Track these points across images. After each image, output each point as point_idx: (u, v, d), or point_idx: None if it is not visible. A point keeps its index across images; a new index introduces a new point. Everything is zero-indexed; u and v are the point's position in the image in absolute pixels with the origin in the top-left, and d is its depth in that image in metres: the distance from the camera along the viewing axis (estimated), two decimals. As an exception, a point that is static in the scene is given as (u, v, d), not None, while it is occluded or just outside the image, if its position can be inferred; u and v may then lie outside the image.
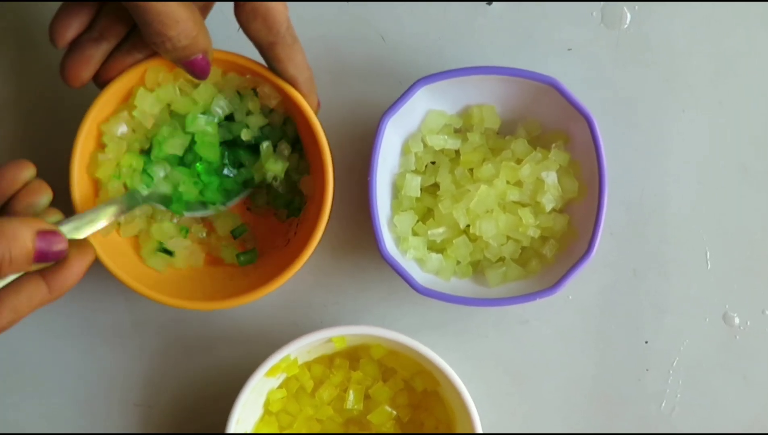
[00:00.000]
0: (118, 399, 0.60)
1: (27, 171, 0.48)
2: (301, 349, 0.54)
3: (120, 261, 0.53)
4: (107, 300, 0.59)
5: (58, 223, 0.47)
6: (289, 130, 0.56)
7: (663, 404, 0.59)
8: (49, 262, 0.44)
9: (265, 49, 0.51)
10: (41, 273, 0.45)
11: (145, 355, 0.60)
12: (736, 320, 0.59)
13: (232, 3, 0.48)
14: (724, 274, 0.59)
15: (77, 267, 0.46)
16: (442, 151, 0.57)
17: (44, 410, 0.60)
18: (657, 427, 0.59)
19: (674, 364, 0.59)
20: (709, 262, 0.59)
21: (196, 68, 0.50)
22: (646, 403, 0.59)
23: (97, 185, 0.54)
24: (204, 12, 0.52)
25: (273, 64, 0.52)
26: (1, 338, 0.51)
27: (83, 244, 0.47)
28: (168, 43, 0.48)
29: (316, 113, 0.53)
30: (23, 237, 0.43)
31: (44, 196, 0.47)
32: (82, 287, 0.52)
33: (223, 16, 0.53)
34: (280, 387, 0.57)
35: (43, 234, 0.44)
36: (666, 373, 0.59)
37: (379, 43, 0.60)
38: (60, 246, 0.44)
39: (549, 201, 0.55)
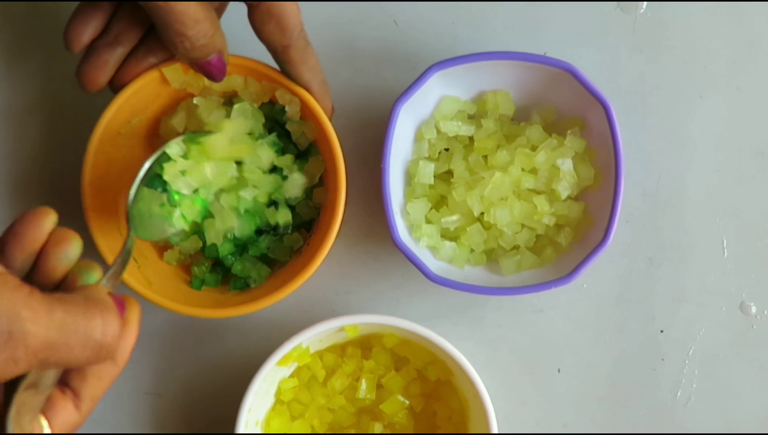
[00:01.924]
0: (129, 387, 0.59)
1: (48, 219, 0.39)
2: (313, 338, 0.54)
3: (130, 268, 0.53)
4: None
5: (102, 281, 0.41)
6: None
7: (678, 394, 0.59)
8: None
9: (279, 52, 0.51)
10: None
11: (156, 344, 0.59)
12: (753, 309, 0.58)
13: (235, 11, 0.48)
14: (740, 262, 0.58)
15: (133, 325, 0.41)
16: (455, 137, 0.56)
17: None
18: (672, 416, 0.58)
19: (690, 353, 0.59)
20: (725, 251, 0.59)
21: (213, 69, 0.51)
22: (662, 392, 0.59)
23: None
24: (218, 13, 0.52)
25: (286, 68, 0.52)
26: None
27: (127, 298, 0.42)
28: (186, 42, 0.48)
29: (330, 118, 0.53)
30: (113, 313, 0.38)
31: (74, 245, 0.40)
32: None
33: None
34: (291, 376, 0.57)
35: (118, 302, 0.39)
36: (682, 363, 0.58)
37: (391, 27, 0.59)
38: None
39: (564, 188, 0.55)
